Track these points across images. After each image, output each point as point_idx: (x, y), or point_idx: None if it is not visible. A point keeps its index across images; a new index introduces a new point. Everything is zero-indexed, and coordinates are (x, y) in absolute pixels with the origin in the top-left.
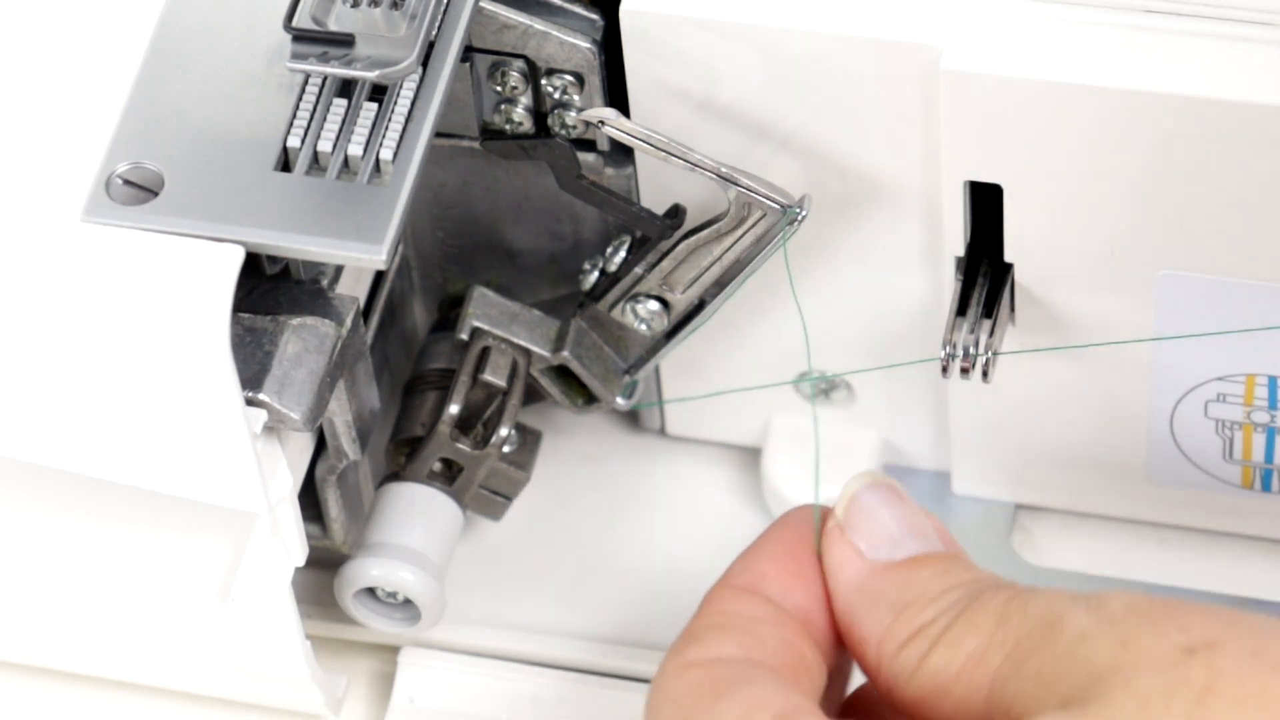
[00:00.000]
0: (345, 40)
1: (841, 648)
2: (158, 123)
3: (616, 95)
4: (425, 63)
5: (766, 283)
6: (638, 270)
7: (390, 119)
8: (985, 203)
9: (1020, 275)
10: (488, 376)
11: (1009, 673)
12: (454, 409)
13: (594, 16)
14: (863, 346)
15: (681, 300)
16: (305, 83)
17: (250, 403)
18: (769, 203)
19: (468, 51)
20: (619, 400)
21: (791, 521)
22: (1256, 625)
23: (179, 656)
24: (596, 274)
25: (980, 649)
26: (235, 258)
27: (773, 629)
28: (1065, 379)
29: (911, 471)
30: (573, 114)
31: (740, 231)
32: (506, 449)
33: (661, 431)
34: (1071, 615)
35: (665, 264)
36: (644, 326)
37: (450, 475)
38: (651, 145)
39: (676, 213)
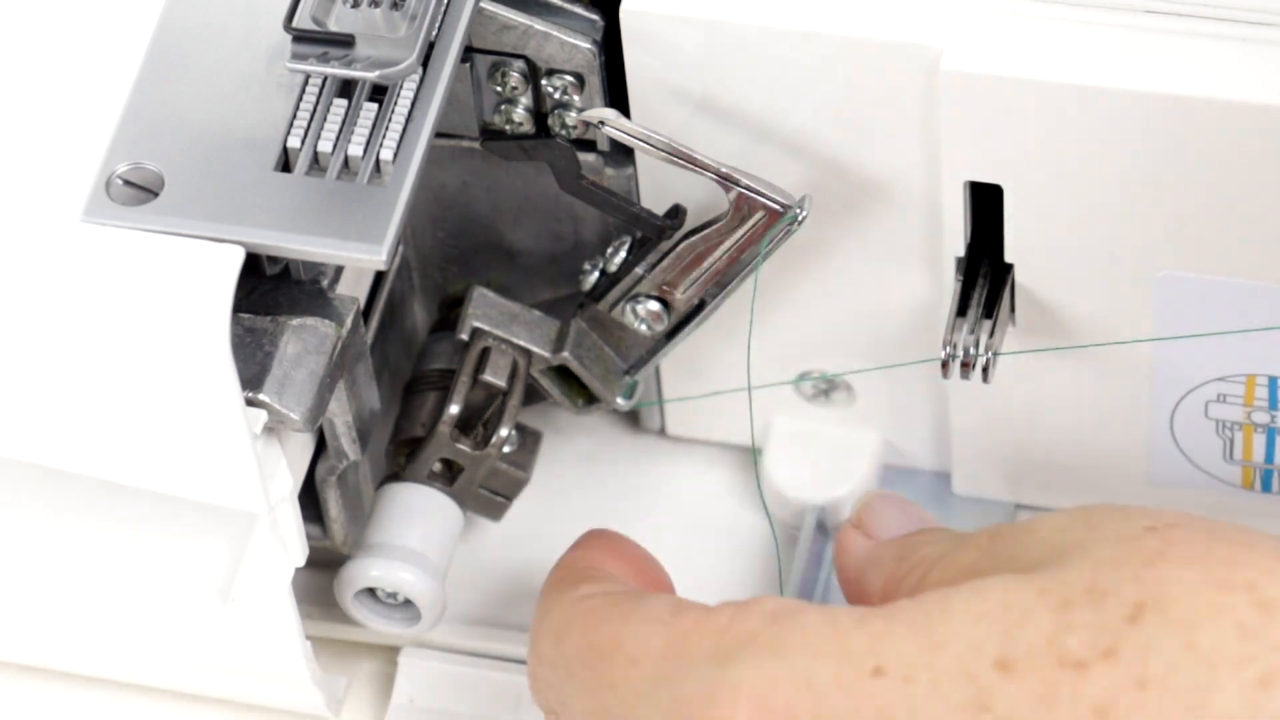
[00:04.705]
0: (345, 41)
1: None
2: (158, 123)
3: (616, 95)
4: (425, 63)
5: (767, 282)
6: (638, 270)
7: (390, 119)
8: (985, 203)
9: (1020, 275)
10: (488, 377)
11: (986, 565)
12: (454, 409)
13: (594, 16)
14: (863, 346)
15: (681, 300)
16: (305, 83)
17: (250, 403)
18: (769, 203)
19: (468, 52)
20: (619, 400)
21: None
22: (1221, 519)
23: (179, 656)
24: (596, 274)
25: (973, 561)
26: (235, 258)
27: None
28: (1065, 379)
29: (911, 471)
30: (573, 114)
31: (740, 232)
32: (506, 449)
33: (661, 431)
34: (1052, 516)
35: (665, 264)
36: (644, 327)
37: (450, 476)
38: (651, 145)
39: (676, 213)
